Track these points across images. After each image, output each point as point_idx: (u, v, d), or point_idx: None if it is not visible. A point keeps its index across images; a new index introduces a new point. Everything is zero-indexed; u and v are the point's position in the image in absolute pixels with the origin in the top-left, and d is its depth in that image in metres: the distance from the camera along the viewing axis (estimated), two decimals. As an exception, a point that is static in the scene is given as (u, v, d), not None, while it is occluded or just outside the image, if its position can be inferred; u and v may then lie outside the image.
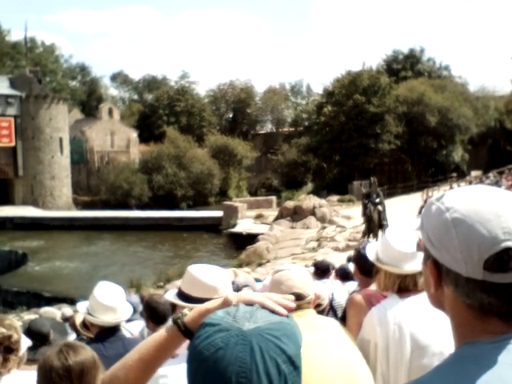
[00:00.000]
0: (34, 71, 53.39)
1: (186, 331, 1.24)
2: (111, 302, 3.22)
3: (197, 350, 0.97)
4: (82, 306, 3.43)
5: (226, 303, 1.11)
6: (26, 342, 2.83)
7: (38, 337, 3.38)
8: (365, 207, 19.89)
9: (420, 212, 18.64)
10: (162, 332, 1.31)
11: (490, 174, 38.63)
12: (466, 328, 1.01)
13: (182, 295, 2.31)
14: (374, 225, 19.09)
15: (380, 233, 18.60)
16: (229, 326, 0.97)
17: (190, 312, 1.28)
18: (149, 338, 1.35)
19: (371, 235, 19.22)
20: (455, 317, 1.02)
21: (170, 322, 1.32)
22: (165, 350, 1.31)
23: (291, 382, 0.95)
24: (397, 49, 59.87)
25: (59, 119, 50.70)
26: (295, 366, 0.97)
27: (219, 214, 37.75)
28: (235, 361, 0.92)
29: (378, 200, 19.30)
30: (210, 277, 2.28)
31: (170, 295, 2.41)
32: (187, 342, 1.22)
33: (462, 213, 0.99)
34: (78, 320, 4.78)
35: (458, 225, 0.98)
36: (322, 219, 28.31)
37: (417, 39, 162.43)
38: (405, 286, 2.49)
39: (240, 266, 21.41)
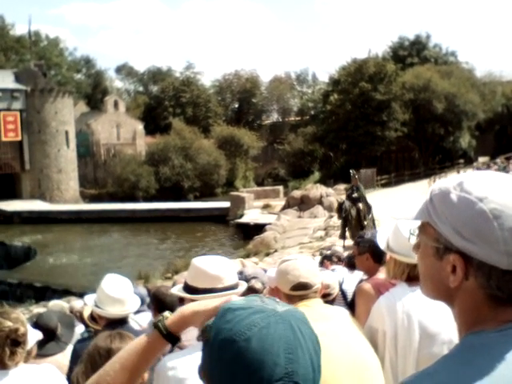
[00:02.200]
0: (38, 65, 53.42)
1: (168, 335, 1.21)
2: (119, 294, 3.22)
3: (234, 332, 0.95)
4: (89, 298, 3.44)
5: (216, 310, 1.08)
6: (35, 336, 2.83)
7: (46, 332, 3.37)
8: (339, 208, 17.24)
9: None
10: (142, 338, 1.27)
11: (498, 160, 38.53)
12: (476, 319, 0.98)
13: (187, 288, 2.30)
14: (352, 225, 16.36)
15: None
16: (263, 309, 0.98)
17: (170, 315, 1.25)
18: (129, 345, 1.31)
19: (348, 237, 16.48)
20: (468, 309, 0.99)
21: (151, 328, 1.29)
22: (146, 356, 1.26)
23: (317, 364, 0.98)
24: (403, 35, 59.57)
25: (65, 112, 50.79)
26: (320, 347, 1.00)
27: (226, 204, 37.82)
28: (280, 338, 0.94)
29: (355, 195, 16.56)
30: (213, 266, 2.27)
31: (176, 289, 2.40)
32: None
33: (498, 203, 0.94)
34: (86, 313, 4.79)
35: (499, 216, 0.94)
36: (330, 208, 28.22)
37: (423, 25, 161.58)
38: (414, 275, 2.47)
39: (248, 256, 21.44)
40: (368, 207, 16.70)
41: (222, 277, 2.24)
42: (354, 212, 16.35)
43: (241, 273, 5.58)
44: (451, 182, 1.02)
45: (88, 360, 2.26)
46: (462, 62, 58.26)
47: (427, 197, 1.05)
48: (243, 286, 2.36)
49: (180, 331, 1.26)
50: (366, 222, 16.20)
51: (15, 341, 2.45)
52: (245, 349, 0.93)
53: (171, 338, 1.22)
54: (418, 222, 1.07)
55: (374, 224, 16.18)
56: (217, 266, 2.27)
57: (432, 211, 1.02)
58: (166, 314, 1.27)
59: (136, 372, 1.26)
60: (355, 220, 16.34)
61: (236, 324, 0.96)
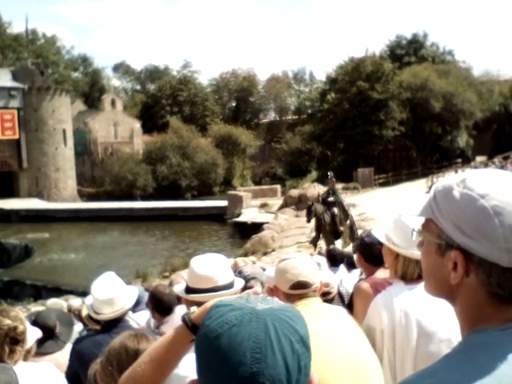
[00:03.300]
0: (35, 63, 53.33)
1: (193, 327, 1.25)
2: (106, 295, 3.24)
3: (209, 329, 0.95)
4: (89, 300, 3.46)
5: None
6: (34, 334, 2.83)
7: (44, 330, 3.37)
8: (308, 211, 16.18)
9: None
10: (171, 332, 1.32)
11: (495, 159, 38.62)
12: (479, 317, 0.98)
13: (186, 288, 2.34)
14: (326, 231, 15.41)
15: (341, 241, 15.11)
16: (242, 306, 0.97)
17: (198, 309, 1.29)
18: (159, 338, 1.36)
19: (322, 243, 15.68)
20: (470, 306, 0.99)
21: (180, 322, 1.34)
22: (175, 350, 1.31)
23: (303, 363, 0.94)
24: (400, 34, 59.56)
25: (62, 111, 50.70)
26: (307, 347, 0.97)
27: (224, 203, 37.78)
28: (249, 337, 0.91)
29: (331, 199, 15.44)
30: (204, 267, 2.30)
31: (178, 288, 2.45)
32: None
33: (500, 200, 0.95)
34: (85, 312, 4.79)
35: (500, 213, 0.94)
36: (327, 207, 28.19)
37: (420, 24, 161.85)
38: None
39: (245, 255, 21.42)
40: (345, 213, 15.45)
41: (212, 277, 2.26)
42: (327, 217, 15.26)
43: (240, 272, 5.59)
44: (455, 179, 1.02)
45: (115, 357, 2.25)
46: (459, 61, 58.37)
47: (431, 194, 1.05)
48: (240, 284, 2.37)
49: None
50: (342, 229, 15.18)
51: (14, 339, 2.46)
52: (214, 346, 0.93)
53: (196, 330, 1.24)
54: (422, 219, 1.07)
55: (352, 230, 15.02)
56: (207, 266, 2.29)
57: (435, 208, 1.02)
58: (194, 308, 1.31)
59: (165, 364, 1.31)
60: (329, 226, 15.30)
61: (213, 321, 0.96)
